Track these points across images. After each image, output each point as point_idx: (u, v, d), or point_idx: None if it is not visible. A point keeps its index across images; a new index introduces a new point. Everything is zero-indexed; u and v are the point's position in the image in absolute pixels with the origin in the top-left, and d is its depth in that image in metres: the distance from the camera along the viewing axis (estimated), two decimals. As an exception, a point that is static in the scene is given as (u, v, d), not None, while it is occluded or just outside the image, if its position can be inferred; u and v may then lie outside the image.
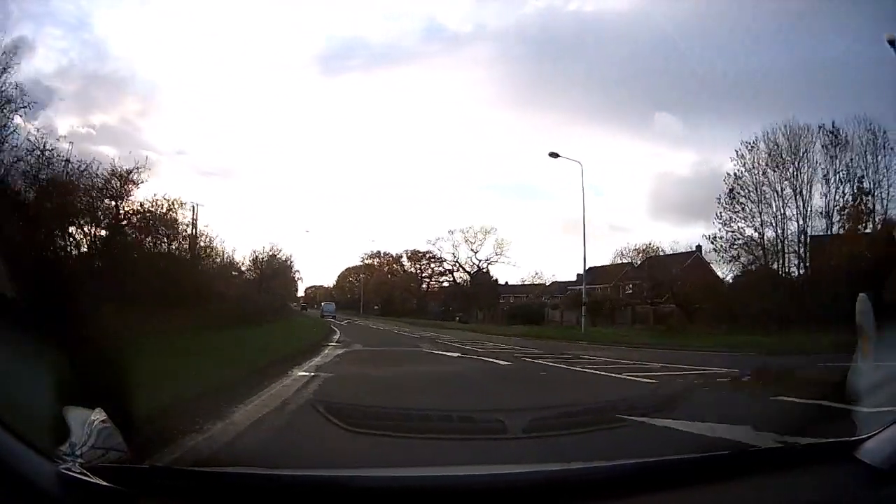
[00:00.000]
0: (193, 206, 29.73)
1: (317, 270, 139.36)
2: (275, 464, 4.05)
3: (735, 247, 29.76)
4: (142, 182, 22.59)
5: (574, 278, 46.86)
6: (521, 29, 51.66)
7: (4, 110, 17.18)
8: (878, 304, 5.34)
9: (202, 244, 30.18)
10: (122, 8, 44.26)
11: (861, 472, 2.32)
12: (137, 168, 22.18)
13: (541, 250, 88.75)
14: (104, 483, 1.98)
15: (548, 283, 54.75)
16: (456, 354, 16.37)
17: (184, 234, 26.83)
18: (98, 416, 2.39)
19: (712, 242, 30.52)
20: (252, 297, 34.93)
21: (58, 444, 2.15)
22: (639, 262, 40.86)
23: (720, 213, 29.80)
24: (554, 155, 30.84)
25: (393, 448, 4.62)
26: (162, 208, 24.13)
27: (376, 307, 65.09)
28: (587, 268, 45.37)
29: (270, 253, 44.66)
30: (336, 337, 23.57)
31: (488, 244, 54.93)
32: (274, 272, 46.15)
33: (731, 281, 31.48)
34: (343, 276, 76.74)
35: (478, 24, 55.42)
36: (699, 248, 36.22)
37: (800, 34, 43.04)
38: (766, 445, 3.57)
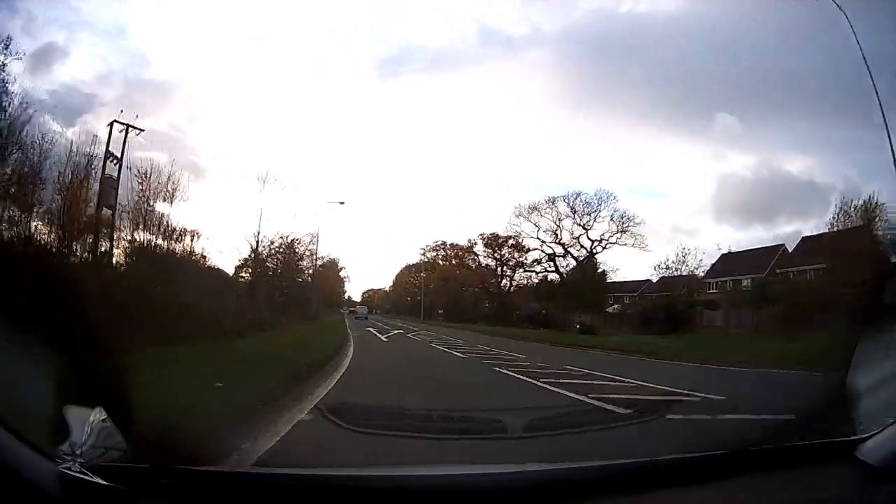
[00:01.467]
0: (113, 125, 18.08)
1: (376, 273, 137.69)
2: (275, 463, 4.13)
3: None
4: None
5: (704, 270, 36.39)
6: (573, 31, 50.60)
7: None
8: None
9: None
10: (164, 14, 44.95)
11: (861, 472, 2.32)
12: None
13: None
14: (104, 482, 2.00)
15: (640, 279, 40.91)
16: None
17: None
18: (98, 415, 2.41)
19: None
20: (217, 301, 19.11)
21: (58, 443, 2.17)
22: (792, 246, 30.65)
23: None
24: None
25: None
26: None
27: (441, 311, 52.67)
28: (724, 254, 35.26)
29: (286, 240, 30.54)
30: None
31: (603, 218, 38.78)
32: (293, 265, 32.66)
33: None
34: (401, 276, 62.63)
35: (531, 26, 54.51)
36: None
37: (859, 31, 40.45)
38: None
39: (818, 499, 2.34)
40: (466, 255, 49.95)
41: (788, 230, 51.22)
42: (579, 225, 39.93)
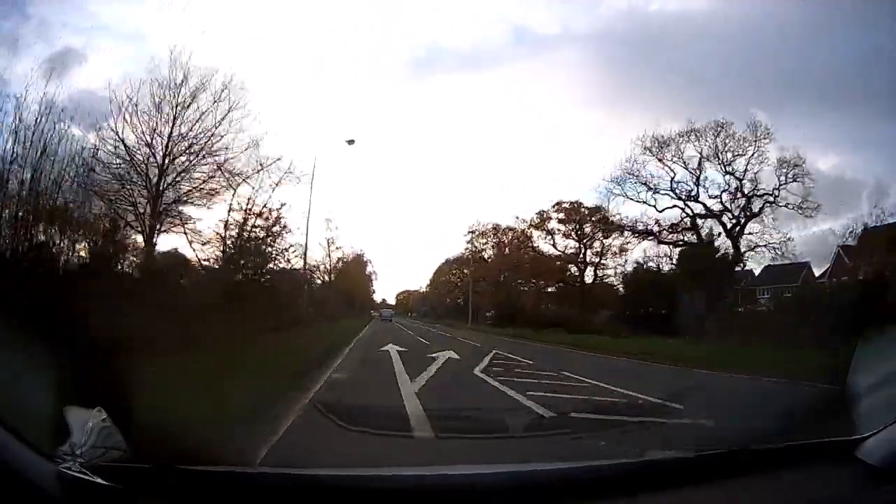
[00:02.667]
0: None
1: (412, 273, 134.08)
2: (276, 463, 4.16)
3: None
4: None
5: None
6: (604, 30, 50.00)
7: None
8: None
9: None
10: (185, 16, 45.15)
11: (861, 471, 2.31)
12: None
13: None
14: (104, 482, 1.99)
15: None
16: None
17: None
18: (98, 415, 2.40)
19: None
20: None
21: (58, 444, 2.16)
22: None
23: None
24: None
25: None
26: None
27: (489, 314, 41.69)
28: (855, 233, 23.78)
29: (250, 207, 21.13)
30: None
31: (754, 164, 26.15)
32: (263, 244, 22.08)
33: None
34: (440, 273, 53.55)
35: (563, 25, 54.07)
36: None
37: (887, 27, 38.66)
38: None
39: (818, 499, 2.33)
40: (538, 229, 36.09)
41: (823, 228, 49.46)
42: (728, 173, 25.72)
